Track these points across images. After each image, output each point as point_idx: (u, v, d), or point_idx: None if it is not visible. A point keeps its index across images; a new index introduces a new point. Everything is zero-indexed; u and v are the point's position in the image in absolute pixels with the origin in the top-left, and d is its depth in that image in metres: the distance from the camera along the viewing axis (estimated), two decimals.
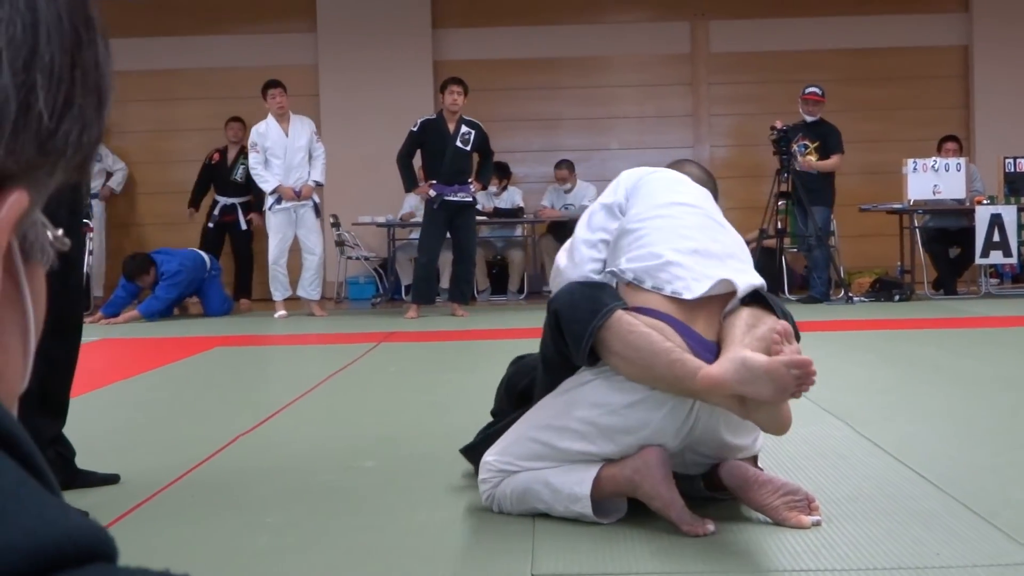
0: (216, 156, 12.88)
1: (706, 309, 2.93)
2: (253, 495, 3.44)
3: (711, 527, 2.76)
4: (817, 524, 2.84)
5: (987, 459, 3.68)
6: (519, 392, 3.37)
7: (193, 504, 3.33)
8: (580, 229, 3.22)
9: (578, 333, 2.85)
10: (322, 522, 3.08)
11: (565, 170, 12.83)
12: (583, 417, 2.90)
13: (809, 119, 11.13)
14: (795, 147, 11.08)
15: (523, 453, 2.98)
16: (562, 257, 3.23)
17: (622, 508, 2.91)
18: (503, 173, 12.86)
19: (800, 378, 2.57)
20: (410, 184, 10.68)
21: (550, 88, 13.91)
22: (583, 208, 12.74)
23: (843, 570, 2.53)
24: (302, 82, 13.83)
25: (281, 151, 10.80)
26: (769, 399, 2.61)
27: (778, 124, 10.99)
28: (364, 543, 2.87)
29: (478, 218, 11.71)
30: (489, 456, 3.05)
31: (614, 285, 3.03)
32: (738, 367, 2.61)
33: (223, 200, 12.72)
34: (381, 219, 12.36)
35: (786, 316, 2.97)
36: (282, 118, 10.88)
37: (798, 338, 2.93)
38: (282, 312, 10.69)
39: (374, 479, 3.64)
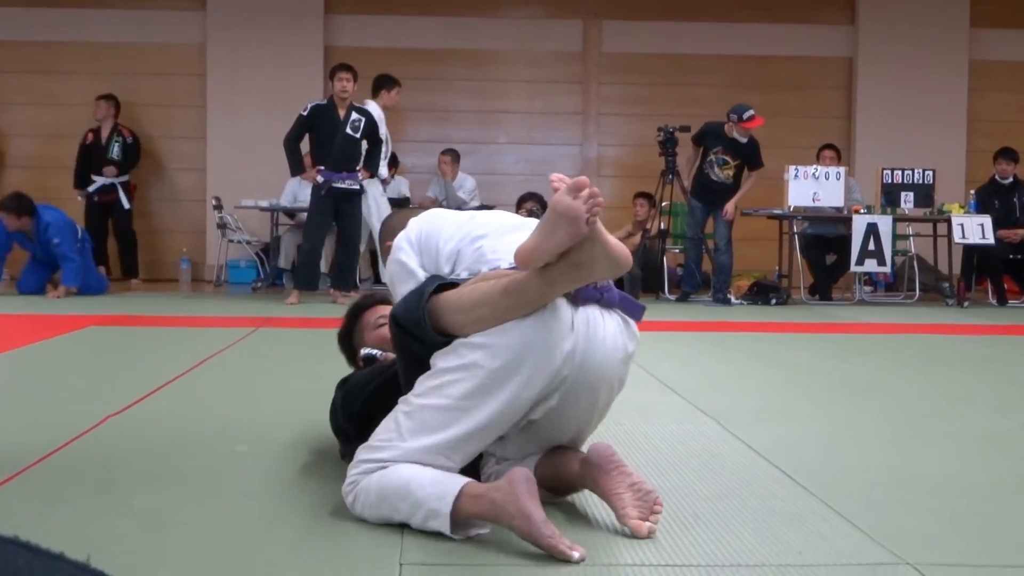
0: (90, 136, 12.64)
1: None
2: (120, 477, 3.38)
3: (576, 554, 2.57)
4: (651, 533, 2.76)
5: (853, 461, 3.76)
6: (358, 414, 3.33)
7: (57, 484, 3.26)
8: (405, 288, 3.11)
9: (416, 318, 2.80)
10: (190, 506, 3.04)
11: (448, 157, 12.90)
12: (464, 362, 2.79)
13: (741, 140, 11.09)
14: (712, 156, 11.13)
15: (405, 428, 2.82)
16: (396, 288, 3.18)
17: (479, 527, 2.77)
18: (391, 162, 12.80)
19: (587, 199, 2.56)
20: (296, 168, 10.59)
21: (441, 79, 13.90)
22: (458, 198, 12.69)
23: (707, 566, 2.57)
24: (188, 61, 13.65)
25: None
26: (569, 235, 2.58)
27: (667, 126, 11.07)
28: (231, 528, 2.83)
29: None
30: (360, 454, 2.91)
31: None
32: (536, 229, 2.64)
33: (100, 180, 12.49)
34: (264, 203, 12.22)
35: None
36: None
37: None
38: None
39: (246, 464, 3.60)
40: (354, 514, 2.88)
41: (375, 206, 10.82)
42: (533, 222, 3.13)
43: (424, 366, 2.87)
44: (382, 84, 11.16)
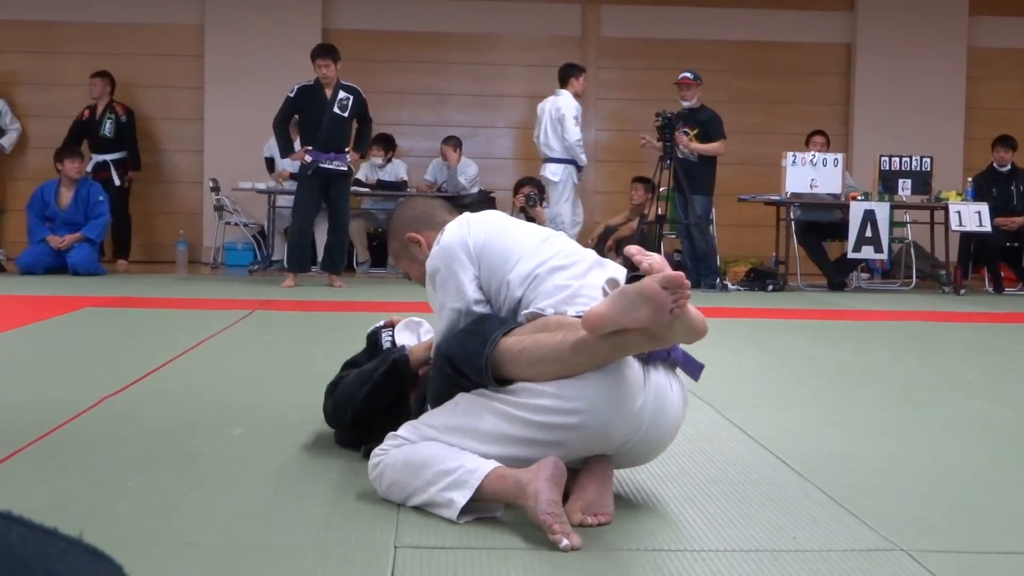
0: (86, 113, 12.62)
1: None
2: (116, 458, 3.38)
3: (565, 541, 2.53)
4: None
5: (848, 448, 3.77)
6: (351, 422, 3.37)
7: (52, 465, 3.26)
8: (449, 300, 3.03)
9: (476, 366, 2.77)
10: (186, 487, 3.04)
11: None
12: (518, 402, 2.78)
13: (685, 104, 11.19)
14: (678, 135, 11.18)
15: (454, 426, 2.83)
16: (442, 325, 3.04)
17: (490, 510, 2.77)
18: (388, 145, 12.79)
19: (675, 294, 2.51)
20: (286, 150, 10.55)
21: (439, 63, 13.86)
22: (458, 183, 12.62)
23: (702, 551, 2.57)
24: (187, 42, 13.61)
25: None
26: (649, 321, 2.52)
27: (665, 112, 11.09)
28: (227, 510, 2.83)
29: (361, 190, 11.62)
30: (402, 429, 2.93)
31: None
32: (614, 298, 2.57)
33: (96, 157, 12.48)
34: (262, 186, 12.20)
35: None
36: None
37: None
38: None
39: (241, 446, 3.60)
40: (370, 479, 2.90)
41: (563, 196, 10.99)
42: (611, 263, 3.09)
43: (457, 391, 2.88)
44: (569, 73, 11.34)
